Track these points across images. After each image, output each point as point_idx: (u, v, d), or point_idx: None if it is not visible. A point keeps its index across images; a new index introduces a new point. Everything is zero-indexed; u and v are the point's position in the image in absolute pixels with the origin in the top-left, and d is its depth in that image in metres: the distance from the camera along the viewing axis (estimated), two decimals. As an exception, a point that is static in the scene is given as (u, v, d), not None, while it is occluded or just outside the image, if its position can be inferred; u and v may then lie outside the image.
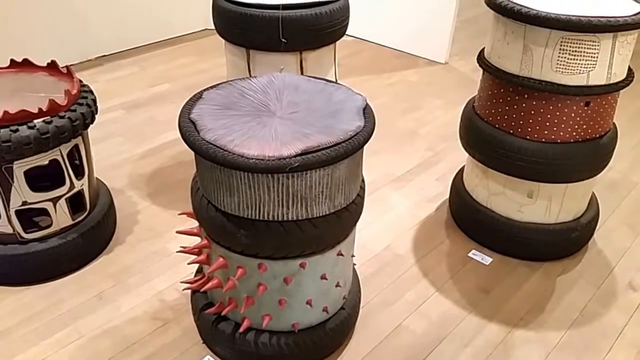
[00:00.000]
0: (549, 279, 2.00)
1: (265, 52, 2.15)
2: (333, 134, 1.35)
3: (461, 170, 2.30)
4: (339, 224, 1.44)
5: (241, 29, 2.11)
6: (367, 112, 1.47)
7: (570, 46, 1.70)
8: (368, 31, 4.16)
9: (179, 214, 1.68)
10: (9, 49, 3.25)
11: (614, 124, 1.98)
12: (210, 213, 1.42)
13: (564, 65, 1.73)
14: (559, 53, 1.72)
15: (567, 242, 2.06)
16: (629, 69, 1.86)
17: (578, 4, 1.80)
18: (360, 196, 1.52)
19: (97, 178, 2.15)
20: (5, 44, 3.26)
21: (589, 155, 1.88)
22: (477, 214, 2.11)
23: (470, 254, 2.11)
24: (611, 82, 1.77)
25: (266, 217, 1.36)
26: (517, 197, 2.00)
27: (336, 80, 2.39)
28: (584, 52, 1.70)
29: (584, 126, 1.84)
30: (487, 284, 1.97)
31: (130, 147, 2.72)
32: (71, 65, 3.60)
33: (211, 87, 1.58)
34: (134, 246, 2.08)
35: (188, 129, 1.37)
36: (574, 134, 1.84)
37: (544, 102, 1.81)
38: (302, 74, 2.19)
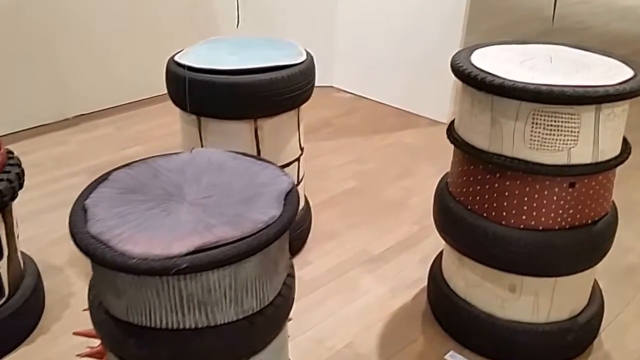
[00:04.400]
0: (536, 391, 1.79)
1: (218, 120, 2.08)
2: (240, 225, 1.23)
3: (441, 253, 2.14)
4: (252, 332, 1.29)
5: (192, 95, 2.05)
6: (289, 198, 1.35)
7: (544, 120, 1.56)
8: (365, 87, 4.10)
9: (83, 310, 1.56)
10: None
11: (613, 206, 1.81)
12: (100, 316, 1.30)
13: (538, 141, 1.58)
14: (532, 127, 1.58)
15: (561, 345, 1.85)
16: (625, 143, 1.71)
17: (560, 70, 1.67)
18: (284, 296, 1.37)
19: (28, 257, 2.07)
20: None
21: (579, 245, 1.70)
22: (455, 308, 1.93)
23: (447, 356, 1.92)
24: (599, 160, 1.61)
25: (159, 324, 1.22)
26: (498, 291, 1.82)
27: (301, 147, 2.29)
28: (561, 126, 1.56)
29: (570, 211, 1.67)
30: (461, 395, 1.78)
31: (83, 218, 2.64)
32: (47, 124, 3.65)
33: (124, 166, 1.48)
34: (58, 337, 1.96)
35: (76, 219, 1.27)
36: (559, 219, 1.68)
37: (518, 182, 1.66)
38: (257, 143, 2.10)
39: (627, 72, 1.63)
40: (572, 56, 1.78)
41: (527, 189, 1.65)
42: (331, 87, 4.34)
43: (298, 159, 2.28)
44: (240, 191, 1.37)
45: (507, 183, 1.67)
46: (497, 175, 1.69)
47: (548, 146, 1.58)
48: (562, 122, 1.55)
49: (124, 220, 1.25)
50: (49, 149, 3.30)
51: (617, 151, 1.66)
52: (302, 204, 2.43)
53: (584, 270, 1.76)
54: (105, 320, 1.28)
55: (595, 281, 1.98)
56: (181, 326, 1.23)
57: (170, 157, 1.52)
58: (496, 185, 1.70)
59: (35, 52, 3.44)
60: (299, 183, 2.33)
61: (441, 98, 3.68)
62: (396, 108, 3.92)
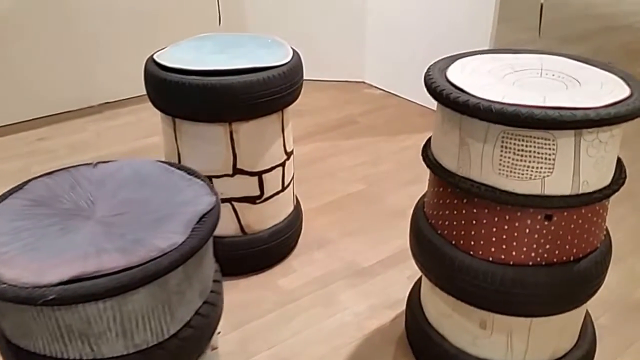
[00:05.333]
0: None
1: (191, 122, 1.95)
2: (133, 252, 1.10)
3: (424, 275, 1.93)
4: (147, 367, 1.16)
5: (165, 96, 1.94)
6: (203, 221, 1.20)
7: (514, 144, 1.33)
8: (396, 84, 3.87)
9: None
10: (13, 90, 3.33)
11: (605, 240, 1.55)
12: (-4, 334, 1.21)
13: (508, 167, 1.36)
14: (501, 151, 1.35)
15: (537, 391, 1.63)
16: (618, 170, 1.45)
17: (546, 86, 1.44)
18: (195, 327, 1.23)
19: None
20: (11, 85, 3.34)
21: (557, 284, 1.46)
22: (427, 338, 1.73)
23: (412, 389, 1.73)
24: (581, 192, 1.37)
25: (42, 351, 1.12)
26: (469, 326, 1.61)
27: (285, 151, 2.13)
28: (534, 152, 1.32)
29: (547, 246, 1.43)
30: None
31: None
32: (71, 111, 3.66)
33: (46, 174, 1.39)
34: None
35: (-30, 232, 1.17)
36: (533, 254, 1.44)
37: (486, 211, 1.44)
38: (233, 147, 1.96)
39: (622, 92, 1.37)
40: (566, 69, 1.52)
41: (496, 219, 1.43)
42: (363, 82, 4.14)
43: (283, 165, 2.12)
44: (154, 210, 1.24)
45: (475, 210, 1.46)
46: (465, 200, 1.47)
47: (519, 173, 1.35)
48: (534, 147, 1.32)
49: (17, 237, 1.15)
50: (66, 136, 3.29)
51: (606, 182, 1.41)
52: (290, 209, 2.27)
53: (561, 312, 1.52)
54: (0, 338, 1.19)
55: (589, 319, 1.73)
56: (65, 356, 1.12)
57: (98, 166, 1.40)
58: (464, 211, 1.48)
59: (65, 39, 3.44)
60: (284, 189, 2.17)
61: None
62: (424, 106, 3.67)
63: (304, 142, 3.29)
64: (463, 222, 1.49)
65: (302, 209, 2.45)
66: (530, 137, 1.31)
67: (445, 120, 1.47)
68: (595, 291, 1.54)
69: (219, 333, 1.60)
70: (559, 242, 1.43)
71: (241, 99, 1.86)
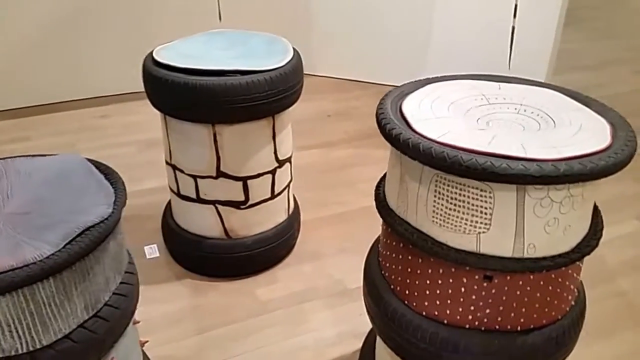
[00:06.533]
0: None
1: (178, 120, 1.90)
2: (3, 257, 1.05)
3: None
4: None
5: (154, 91, 1.91)
6: (85, 235, 1.12)
7: (447, 190, 1.14)
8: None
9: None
10: (80, 71, 3.49)
11: (571, 312, 1.31)
12: None
13: (441, 215, 1.16)
14: (435, 196, 1.16)
15: None
16: (590, 235, 1.20)
17: (515, 125, 1.23)
18: (77, 341, 1.16)
19: None
20: (77, 65, 3.50)
21: (495, 355, 1.24)
22: (373, 380, 1.58)
23: None
24: (525, 256, 1.14)
25: None
26: (407, 378, 1.43)
27: (277, 159, 2.01)
28: (468, 203, 1.12)
29: (487, 310, 1.22)
30: None
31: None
32: (135, 92, 3.75)
33: (-17, 163, 1.38)
34: None
35: None
36: (470, 317, 1.24)
37: (420, 260, 1.25)
38: (217, 149, 1.88)
39: (598, 143, 1.12)
40: (548, 107, 1.28)
41: (430, 270, 1.24)
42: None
43: (273, 172, 2.01)
44: (52, 214, 1.18)
45: (410, 257, 1.27)
46: (401, 245, 1.29)
47: (452, 224, 1.15)
48: (468, 197, 1.12)
49: None
50: (122, 117, 3.38)
51: (563, 248, 1.16)
52: (281, 218, 2.16)
53: (503, 387, 1.30)
54: None
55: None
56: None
57: (33, 159, 1.37)
58: (401, 256, 1.30)
59: (135, 23, 3.53)
60: (273, 197, 2.06)
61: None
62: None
63: (341, 147, 3.16)
64: (400, 267, 1.31)
65: (305, 219, 2.34)
66: (464, 185, 1.11)
67: (392, 153, 1.30)
68: (549, 368, 1.30)
69: (144, 343, 1.54)
70: (501, 307, 1.22)
71: (221, 102, 1.77)
